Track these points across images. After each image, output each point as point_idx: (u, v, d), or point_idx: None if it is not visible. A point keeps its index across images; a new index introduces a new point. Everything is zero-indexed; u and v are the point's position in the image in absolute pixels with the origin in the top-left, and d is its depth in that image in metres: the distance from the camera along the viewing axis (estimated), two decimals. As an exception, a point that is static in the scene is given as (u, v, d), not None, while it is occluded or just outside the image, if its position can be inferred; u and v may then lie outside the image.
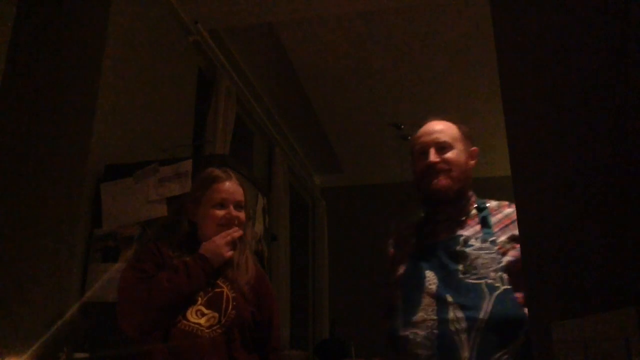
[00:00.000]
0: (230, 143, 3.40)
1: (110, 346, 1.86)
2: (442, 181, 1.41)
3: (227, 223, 1.59)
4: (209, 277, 1.51)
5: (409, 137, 5.68)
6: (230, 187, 1.62)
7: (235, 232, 1.59)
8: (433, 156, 1.43)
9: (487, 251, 1.34)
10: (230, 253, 1.56)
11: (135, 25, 2.61)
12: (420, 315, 1.31)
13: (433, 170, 1.43)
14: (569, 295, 0.61)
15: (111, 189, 2.17)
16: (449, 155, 1.44)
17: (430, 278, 1.35)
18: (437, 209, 1.47)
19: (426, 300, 1.32)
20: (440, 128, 1.48)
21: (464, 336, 1.24)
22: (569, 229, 0.61)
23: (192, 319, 1.45)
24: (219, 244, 1.55)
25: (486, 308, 1.25)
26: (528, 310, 0.87)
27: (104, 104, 2.30)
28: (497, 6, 0.87)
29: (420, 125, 1.55)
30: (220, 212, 1.59)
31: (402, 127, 4.85)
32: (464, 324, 1.25)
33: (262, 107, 4.31)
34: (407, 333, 1.32)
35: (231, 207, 1.60)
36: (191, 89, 3.19)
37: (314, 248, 6.00)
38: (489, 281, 1.29)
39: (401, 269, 1.46)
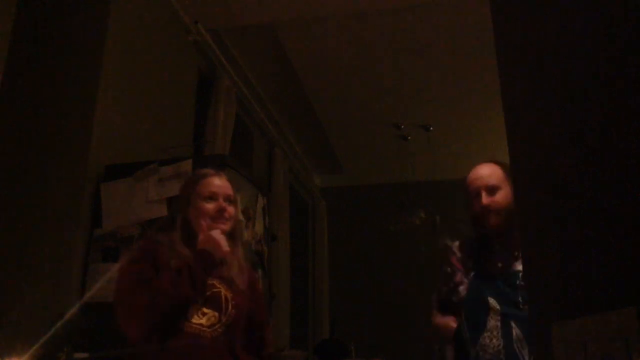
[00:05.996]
0: (230, 143, 3.39)
1: (110, 346, 1.86)
2: (495, 220, 1.60)
3: (219, 215, 1.58)
4: (210, 273, 1.49)
5: (409, 137, 5.62)
6: (219, 181, 1.63)
7: (224, 225, 1.57)
8: (485, 199, 1.61)
9: None
10: (228, 247, 1.54)
11: (135, 25, 2.61)
12: (486, 335, 1.49)
13: (486, 211, 1.61)
14: (569, 295, 0.61)
15: (111, 189, 2.17)
16: (498, 197, 1.61)
17: (494, 305, 1.52)
18: (493, 240, 1.63)
19: (491, 323, 1.49)
20: (489, 172, 1.66)
21: (525, 351, 1.41)
22: (569, 229, 0.61)
23: (194, 320, 1.44)
24: (217, 237, 1.53)
25: None
26: (528, 310, 0.88)
27: (104, 104, 2.30)
28: (497, 6, 0.87)
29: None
30: (210, 205, 1.58)
31: (402, 127, 4.85)
32: (525, 343, 1.42)
33: (262, 107, 4.31)
34: (476, 351, 1.50)
35: (221, 200, 1.60)
36: (191, 89, 3.19)
37: (314, 248, 5.99)
38: None
39: (462, 289, 1.63)
